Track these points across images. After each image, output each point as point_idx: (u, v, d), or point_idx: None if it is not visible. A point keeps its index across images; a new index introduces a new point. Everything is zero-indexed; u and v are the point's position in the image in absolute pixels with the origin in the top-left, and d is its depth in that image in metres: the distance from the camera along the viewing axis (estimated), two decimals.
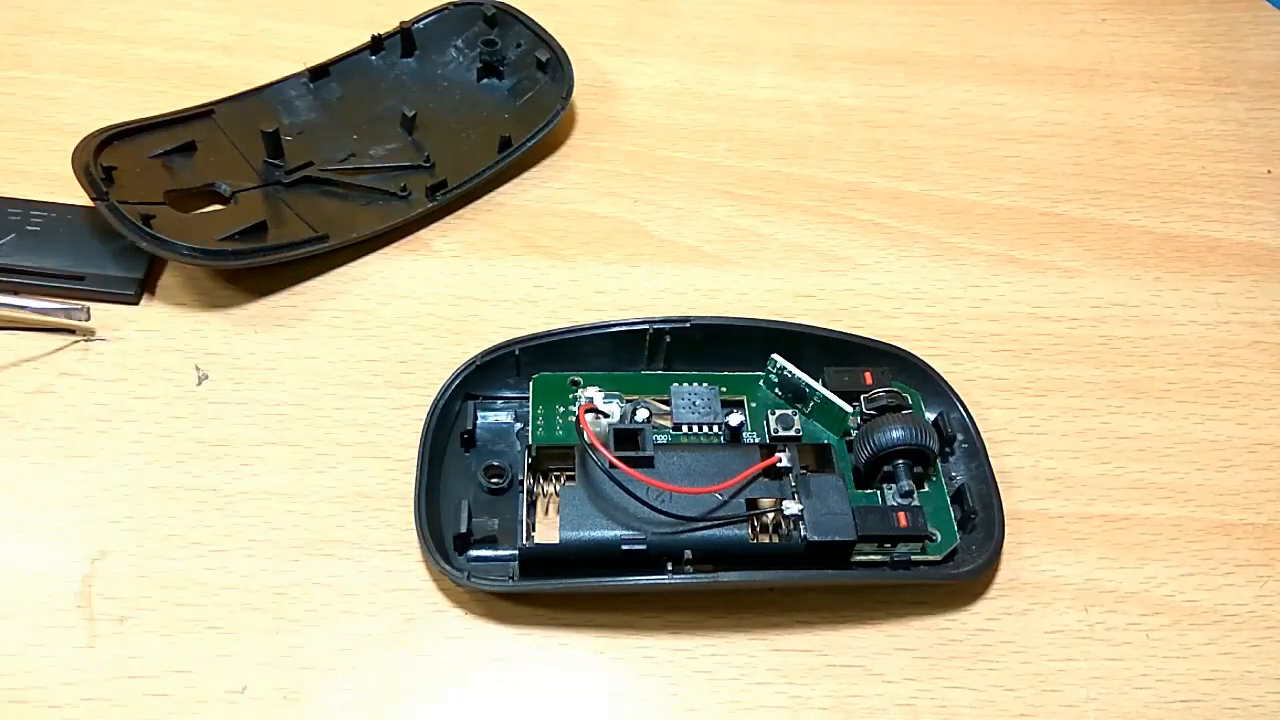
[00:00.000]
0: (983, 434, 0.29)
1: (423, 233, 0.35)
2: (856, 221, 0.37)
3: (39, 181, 0.35)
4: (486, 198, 0.37)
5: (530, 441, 0.28)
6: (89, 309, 0.31)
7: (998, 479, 0.28)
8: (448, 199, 0.35)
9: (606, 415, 0.27)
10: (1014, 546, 0.28)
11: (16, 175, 0.35)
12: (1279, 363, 0.34)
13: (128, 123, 0.34)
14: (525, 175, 0.38)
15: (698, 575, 0.26)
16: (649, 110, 0.40)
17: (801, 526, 0.26)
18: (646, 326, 0.30)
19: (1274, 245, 0.37)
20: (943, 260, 0.36)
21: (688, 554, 0.26)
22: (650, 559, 0.26)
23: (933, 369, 0.31)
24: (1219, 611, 0.28)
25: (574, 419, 0.28)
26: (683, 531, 0.26)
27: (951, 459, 0.29)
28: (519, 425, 0.29)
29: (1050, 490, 0.30)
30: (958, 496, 0.28)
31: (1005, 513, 0.28)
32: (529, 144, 0.37)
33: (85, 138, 0.33)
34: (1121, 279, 0.36)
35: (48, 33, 0.41)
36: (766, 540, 0.26)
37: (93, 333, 0.31)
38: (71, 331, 0.31)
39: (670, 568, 0.26)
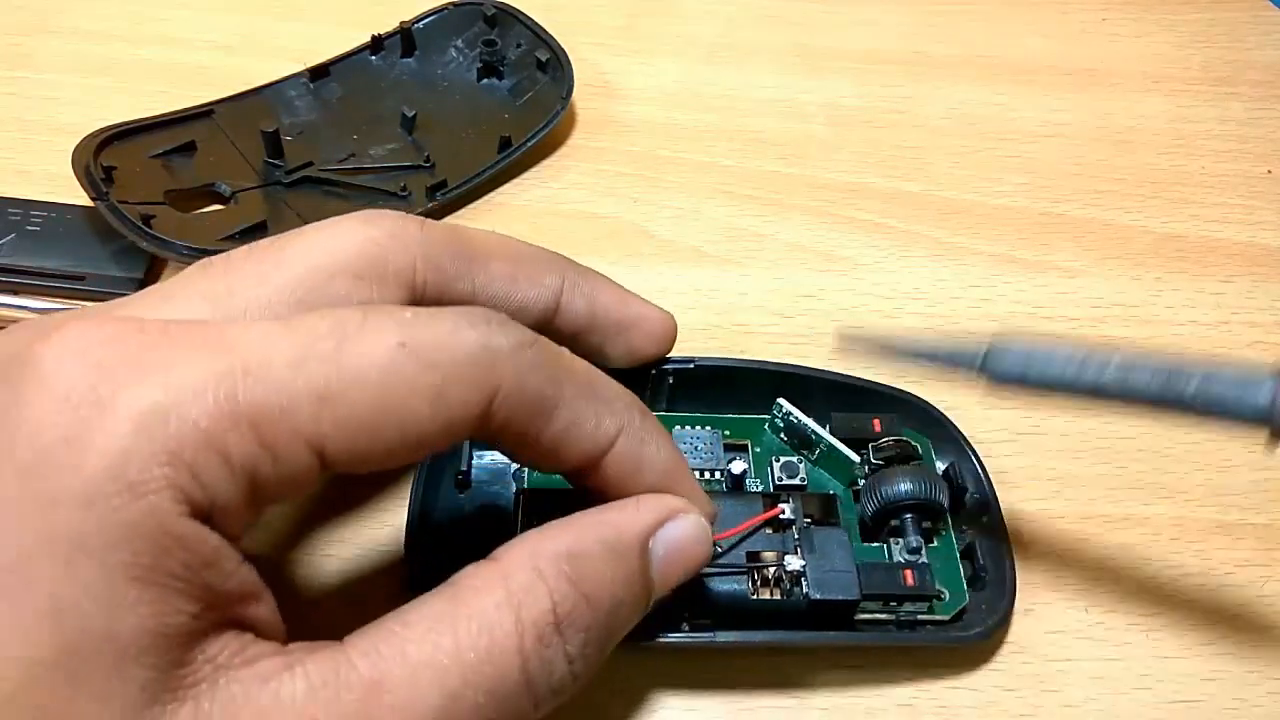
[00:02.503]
0: (996, 486, 0.28)
1: None
2: (856, 221, 0.37)
3: (39, 181, 0.35)
4: (486, 198, 0.37)
5: (526, 485, 0.26)
6: (88, 309, 0.31)
7: (995, 480, 0.28)
8: (448, 199, 0.35)
9: None
10: (1014, 547, 0.28)
11: (16, 175, 0.35)
12: (1279, 363, 0.34)
13: (128, 123, 0.34)
14: (525, 175, 0.38)
15: (694, 635, 0.24)
16: (649, 110, 0.40)
17: (804, 583, 0.24)
18: (650, 367, 0.28)
19: (1274, 245, 0.37)
20: (943, 260, 0.36)
21: (685, 612, 0.24)
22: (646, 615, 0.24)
23: (945, 416, 0.29)
24: (1219, 612, 0.28)
25: None
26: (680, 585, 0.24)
27: (963, 511, 0.28)
28: (515, 466, 0.27)
29: (1051, 490, 0.30)
30: (968, 552, 0.27)
31: (1017, 570, 0.27)
32: (529, 144, 0.37)
33: (85, 138, 0.33)
34: (1121, 279, 0.36)
35: (48, 33, 0.41)
36: (768, 595, 0.25)
37: None
38: None
39: (666, 624, 0.24)
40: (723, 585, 0.24)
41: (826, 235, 0.37)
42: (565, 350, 0.19)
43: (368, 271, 0.19)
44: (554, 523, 0.19)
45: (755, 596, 0.25)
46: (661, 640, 0.24)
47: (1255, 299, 0.36)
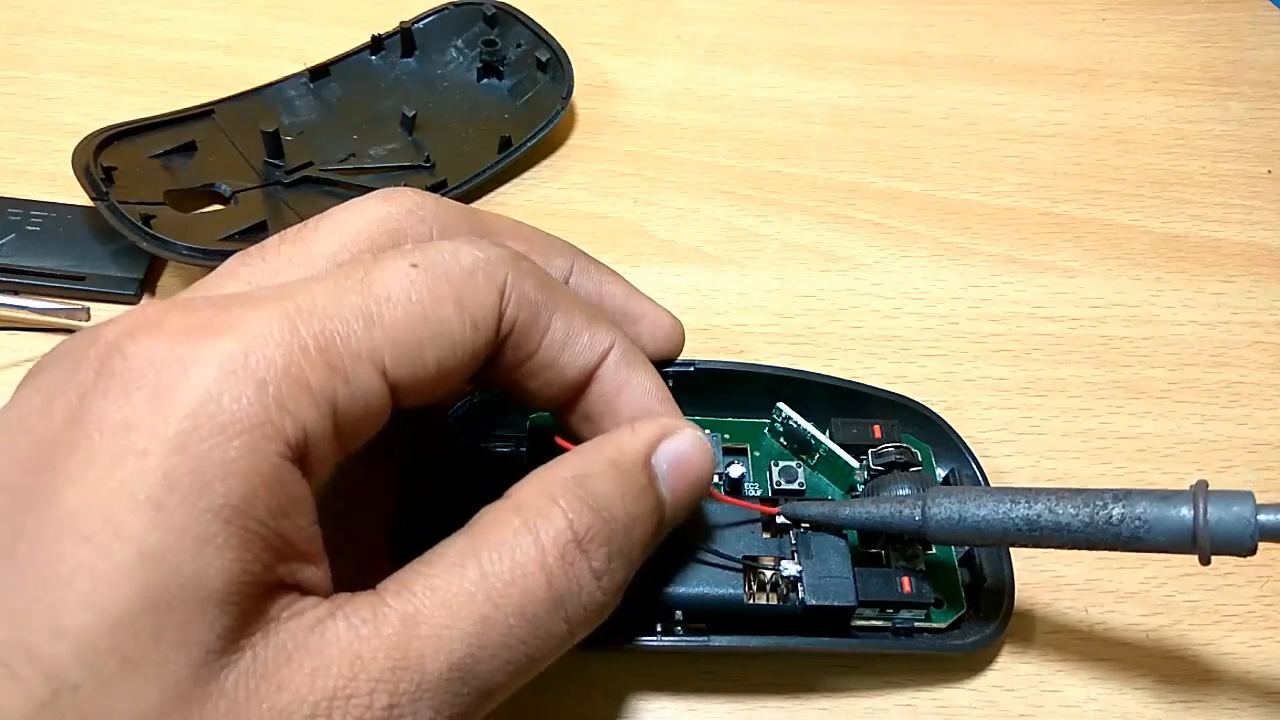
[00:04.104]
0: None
1: None
2: (857, 221, 0.37)
3: (39, 181, 0.35)
4: (486, 198, 0.37)
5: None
6: (89, 309, 0.31)
7: (993, 480, 0.28)
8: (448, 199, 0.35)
9: None
10: (1014, 548, 0.28)
11: (16, 175, 0.35)
12: (1279, 363, 0.34)
13: (128, 123, 0.34)
14: (525, 175, 0.38)
15: (689, 639, 0.24)
16: (649, 110, 0.40)
17: (800, 588, 0.24)
18: None
19: (1274, 245, 0.37)
20: (943, 260, 0.36)
21: (679, 614, 0.24)
22: (639, 617, 0.24)
23: (946, 423, 0.29)
24: (1219, 611, 0.28)
25: None
26: (674, 587, 0.24)
27: None
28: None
29: None
30: (966, 560, 0.27)
31: (1016, 576, 0.26)
32: (529, 144, 0.37)
33: (85, 138, 0.33)
34: (1121, 279, 0.36)
35: (48, 32, 0.41)
36: (764, 600, 0.25)
37: None
38: (72, 332, 0.31)
39: (660, 627, 0.24)
40: (718, 589, 0.24)
41: (826, 235, 0.37)
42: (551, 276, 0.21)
43: (387, 244, 0.20)
44: (558, 457, 0.20)
45: (751, 601, 0.24)
46: (655, 643, 0.24)
47: (1255, 299, 0.36)
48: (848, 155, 0.39)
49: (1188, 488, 0.21)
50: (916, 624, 0.25)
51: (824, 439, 0.27)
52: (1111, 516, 0.21)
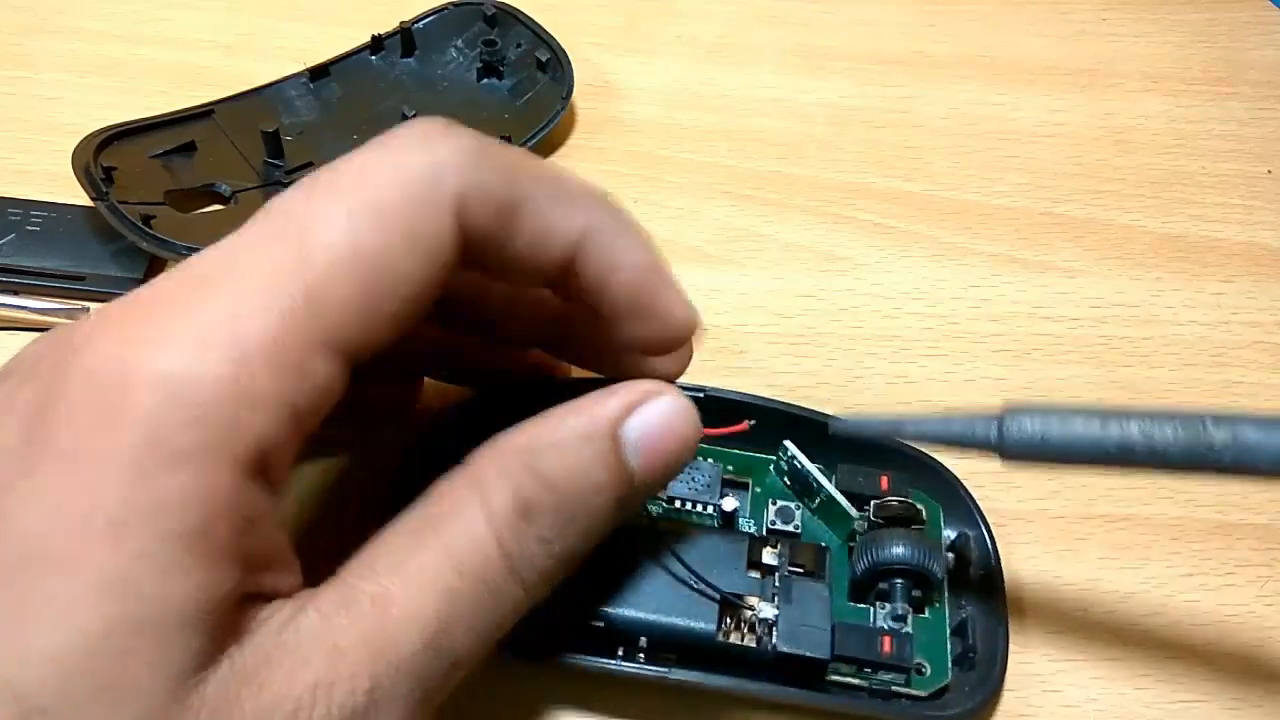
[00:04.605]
0: (1009, 561, 0.27)
1: None
2: (857, 221, 0.37)
3: (39, 181, 0.35)
4: None
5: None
6: (89, 309, 0.31)
7: (993, 480, 0.28)
8: None
9: None
10: (1013, 547, 0.28)
11: (16, 175, 0.35)
12: (1279, 363, 0.34)
13: (128, 123, 0.34)
14: None
15: (647, 667, 0.23)
16: (649, 110, 0.40)
17: (774, 633, 0.23)
18: None
19: (1274, 245, 0.37)
20: (943, 260, 0.36)
21: (643, 640, 0.23)
22: (601, 639, 0.23)
23: (961, 483, 0.27)
24: (1219, 611, 0.28)
25: None
26: (643, 612, 0.23)
27: (965, 587, 0.26)
28: None
29: (1050, 490, 0.30)
30: (960, 629, 0.25)
31: (1010, 657, 0.25)
32: (529, 144, 0.37)
33: (85, 138, 0.33)
34: (1121, 279, 0.36)
35: (48, 33, 0.41)
36: (738, 640, 0.23)
37: None
38: None
39: (621, 652, 0.23)
40: (690, 621, 0.23)
41: (826, 235, 0.37)
42: (522, 150, 0.20)
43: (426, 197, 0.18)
44: (523, 421, 0.20)
45: (722, 639, 0.23)
46: (612, 666, 0.23)
47: (1255, 299, 0.36)
48: (848, 155, 0.39)
49: None
50: (895, 688, 0.24)
51: (827, 484, 0.26)
52: (1214, 442, 0.19)
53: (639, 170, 0.38)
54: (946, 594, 0.26)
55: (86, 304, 0.31)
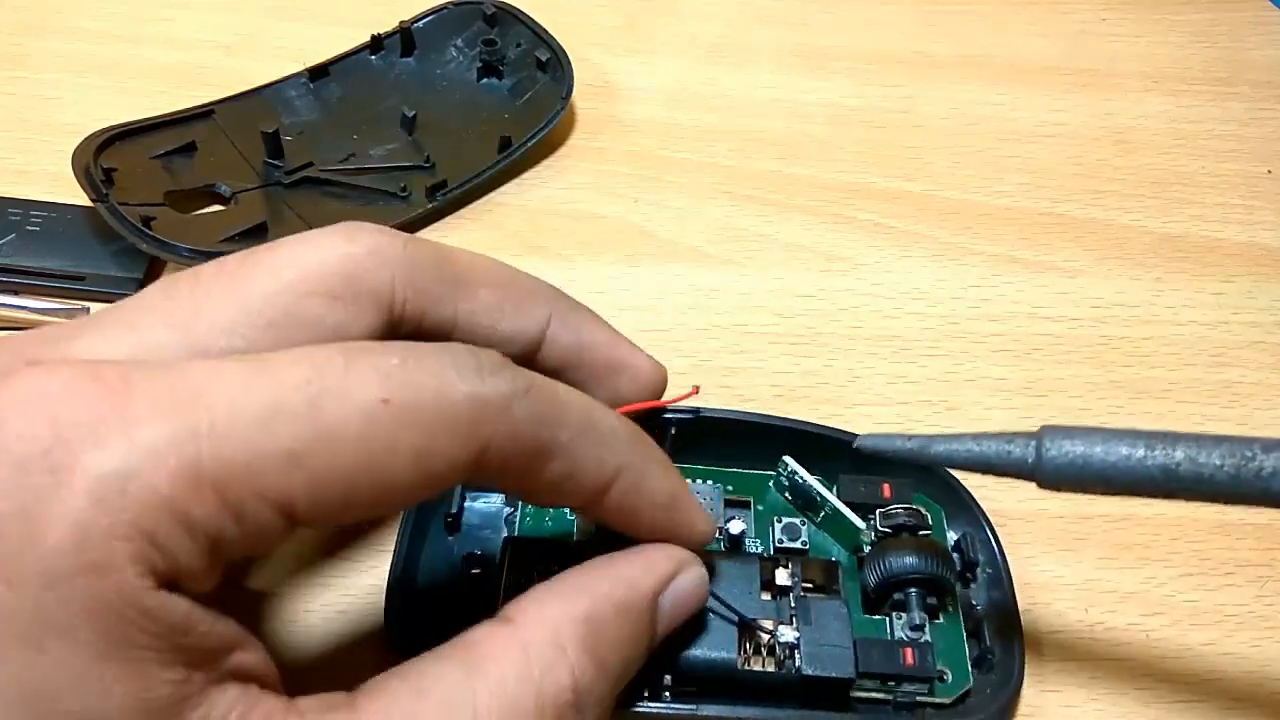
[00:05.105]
0: (1010, 562, 0.27)
1: (423, 233, 0.35)
2: (857, 221, 0.37)
3: (39, 181, 0.35)
4: (486, 198, 0.37)
5: (516, 531, 0.25)
6: (89, 309, 0.31)
7: (994, 480, 0.28)
8: (447, 199, 0.35)
9: None
10: (1014, 547, 0.28)
11: (16, 175, 0.35)
12: (1279, 363, 0.34)
13: (128, 123, 0.34)
14: (525, 175, 0.38)
15: (676, 705, 0.23)
16: (649, 110, 0.40)
17: (797, 656, 0.23)
18: (652, 417, 0.26)
19: (1274, 245, 0.37)
20: (943, 260, 0.36)
21: (667, 679, 0.23)
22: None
23: (962, 485, 0.27)
24: (1219, 611, 0.28)
25: (566, 510, 0.25)
26: (664, 649, 0.22)
27: (973, 586, 0.26)
28: (508, 510, 0.26)
29: (1050, 490, 0.30)
30: (975, 631, 0.25)
31: (1025, 653, 0.25)
32: (529, 144, 0.37)
33: (85, 138, 0.33)
34: (1121, 279, 0.36)
35: (48, 33, 0.41)
36: (759, 666, 0.23)
37: None
38: None
39: (646, 694, 0.23)
40: (711, 652, 0.23)
41: (826, 235, 0.37)
42: (560, 389, 0.18)
43: (343, 291, 0.18)
44: (567, 578, 0.19)
45: (745, 667, 0.23)
46: (643, 709, 0.23)
47: (1255, 299, 0.36)
48: (848, 155, 0.39)
49: None
50: (919, 698, 0.24)
51: (830, 496, 0.26)
52: (1263, 469, 0.18)
53: (639, 170, 0.38)
54: (957, 597, 0.26)
55: (86, 304, 0.31)
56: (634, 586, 0.20)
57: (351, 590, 0.26)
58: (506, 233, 0.36)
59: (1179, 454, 0.19)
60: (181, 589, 0.15)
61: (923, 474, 0.27)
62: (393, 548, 0.25)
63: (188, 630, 0.15)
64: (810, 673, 0.23)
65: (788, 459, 0.27)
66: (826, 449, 0.27)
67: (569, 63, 0.39)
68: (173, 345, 0.17)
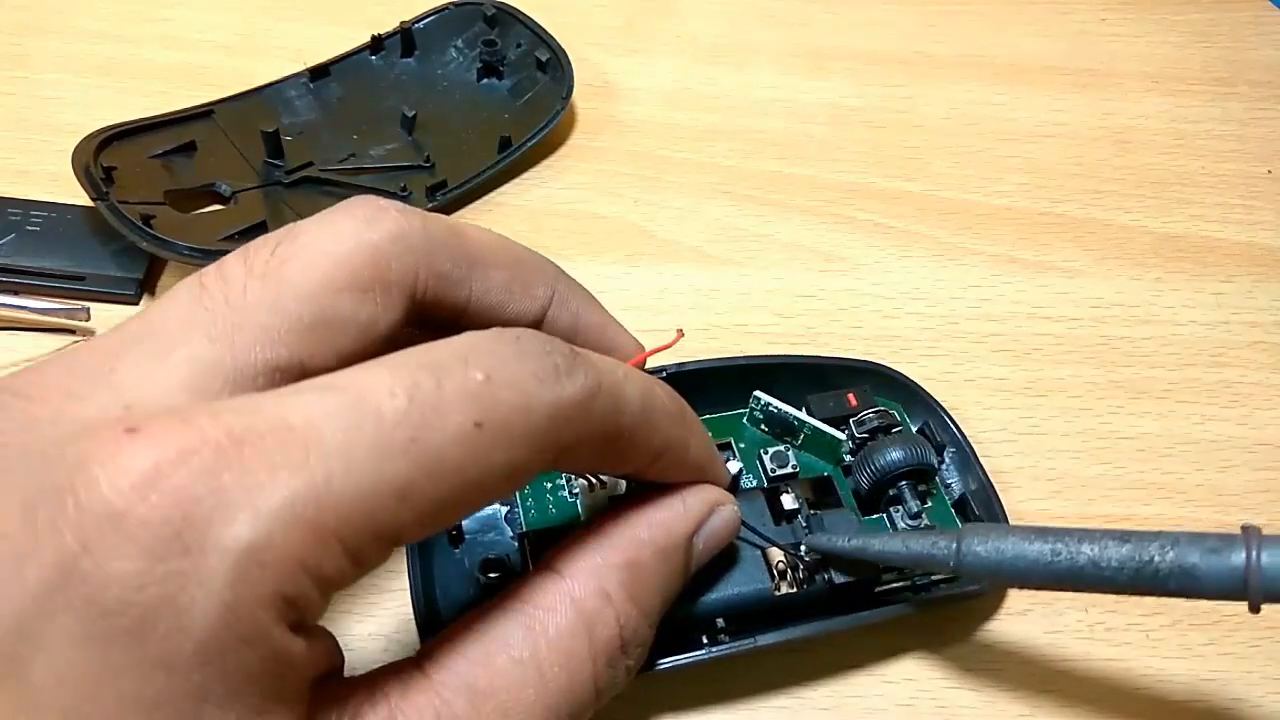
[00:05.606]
0: (968, 435, 0.29)
1: None
2: (857, 221, 0.37)
3: (39, 181, 0.35)
4: (486, 198, 0.37)
5: (524, 528, 0.26)
6: (89, 309, 0.31)
7: (994, 480, 0.28)
8: (448, 199, 0.35)
9: (604, 484, 0.25)
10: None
11: (16, 175, 0.35)
12: (1279, 363, 0.34)
13: (128, 123, 0.34)
14: (525, 175, 0.38)
15: (739, 643, 0.24)
16: (649, 110, 0.40)
17: (828, 569, 0.24)
18: None
19: (1274, 245, 0.37)
20: (943, 260, 0.36)
21: (720, 622, 0.24)
22: (683, 633, 0.24)
23: (908, 378, 0.29)
24: (1219, 612, 0.28)
25: (565, 493, 0.26)
26: (705, 597, 0.24)
27: (944, 467, 0.29)
28: (505, 509, 0.27)
29: (1050, 490, 0.30)
30: (960, 506, 0.28)
31: (1006, 511, 0.27)
32: (529, 144, 0.37)
33: (85, 138, 0.33)
34: (1121, 279, 0.36)
35: (48, 33, 0.41)
36: (786, 589, 0.24)
37: (93, 333, 0.31)
38: (71, 332, 0.31)
39: (705, 640, 0.24)
40: (746, 587, 0.24)
41: (826, 235, 0.37)
42: (619, 373, 0.19)
43: (372, 283, 0.18)
44: (606, 525, 0.21)
45: (778, 592, 0.24)
46: (705, 656, 0.23)
47: (1255, 299, 0.36)
48: (848, 155, 0.39)
49: (1238, 533, 0.19)
50: (932, 577, 0.26)
51: (806, 418, 0.27)
52: (1159, 570, 0.20)
53: (639, 170, 0.38)
54: (939, 480, 0.28)
55: (86, 304, 0.31)
56: (671, 531, 0.21)
57: (377, 614, 0.26)
58: (506, 232, 0.35)
59: (1083, 557, 0.21)
60: (306, 627, 0.16)
61: (877, 377, 0.29)
62: (404, 570, 0.25)
63: (317, 662, 0.16)
64: (841, 581, 0.24)
65: (758, 393, 0.28)
66: (785, 377, 0.29)
67: (569, 63, 0.39)
68: (224, 364, 0.17)
